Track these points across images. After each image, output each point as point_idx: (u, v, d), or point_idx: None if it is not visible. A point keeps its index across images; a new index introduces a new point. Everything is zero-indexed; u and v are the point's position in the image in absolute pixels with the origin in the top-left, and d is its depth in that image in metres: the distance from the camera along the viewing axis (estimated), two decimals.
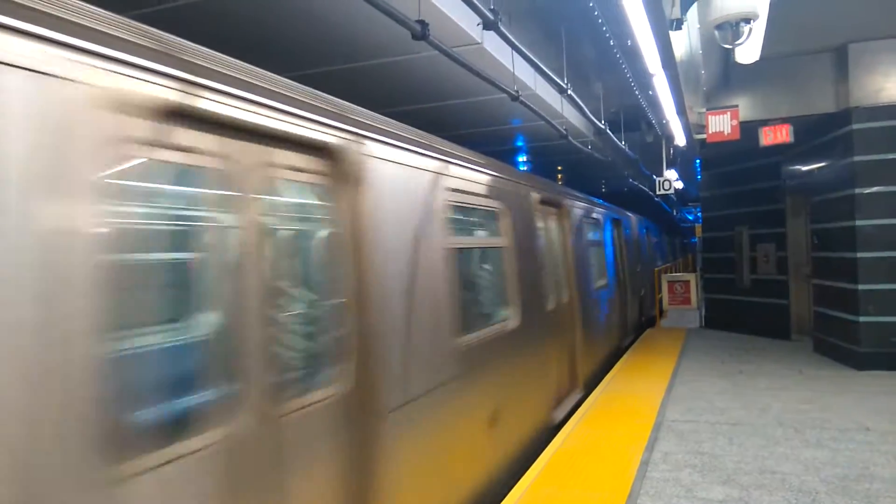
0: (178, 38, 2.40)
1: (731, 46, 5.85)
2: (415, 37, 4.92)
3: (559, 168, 17.92)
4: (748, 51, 7.85)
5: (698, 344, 12.13)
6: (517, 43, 5.75)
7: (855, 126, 9.23)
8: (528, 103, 7.56)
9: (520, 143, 13.06)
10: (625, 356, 10.83)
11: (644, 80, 8.95)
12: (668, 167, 16.00)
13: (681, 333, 13.57)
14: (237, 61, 2.71)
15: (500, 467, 5.14)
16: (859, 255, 9.13)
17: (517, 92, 6.73)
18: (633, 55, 7.62)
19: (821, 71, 9.78)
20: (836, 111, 9.65)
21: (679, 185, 19.48)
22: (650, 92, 9.47)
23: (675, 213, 33.79)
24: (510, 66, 7.07)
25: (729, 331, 13.54)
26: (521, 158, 15.92)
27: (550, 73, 6.63)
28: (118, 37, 2.08)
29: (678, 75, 7.37)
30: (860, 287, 9.13)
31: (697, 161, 15.23)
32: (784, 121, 9.91)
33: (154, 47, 2.21)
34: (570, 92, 7.26)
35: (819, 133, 10.19)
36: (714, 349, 11.48)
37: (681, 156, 16.22)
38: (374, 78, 7.69)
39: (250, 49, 6.54)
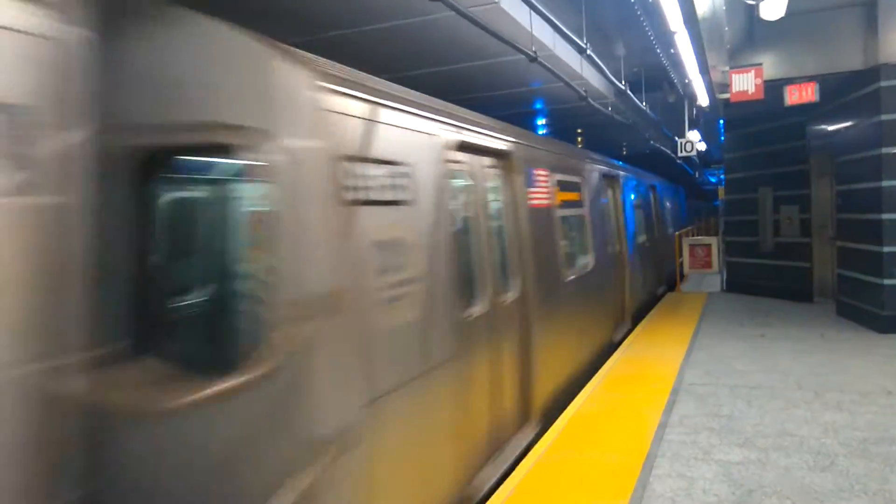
0: (455, 106, 4.80)
1: (753, 2, 5.67)
2: None
3: (579, 131, 17.67)
4: (773, 7, 7.60)
5: (719, 307, 12.06)
6: (534, 1, 5.61)
7: (883, 83, 8.97)
8: (547, 64, 7.40)
9: (538, 106, 12.85)
10: (644, 320, 10.81)
11: (665, 38, 8.71)
12: (691, 128, 15.70)
13: (701, 297, 13.49)
14: (472, 112, 5.11)
15: (585, 362, 7.52)
16: (884, 216, 8.96)
17: (535, 53, 6.59)
18: (654, 12, 7.42)
19: (849, 27, 9.48)
20: (863, 68, 9.37)
21: (702, 146, 19.15)
22: (672, 50, 9.24)
23: (697, 176, 33.28)
24: (528, 25, 6.92)
25: (751, 294, 13.43)
26: (541, 121, 15.70)
27: (569, 33, 6.47)
28: (443, 110, 4.44)
29: (700, 33, 7.17)
30: (885, 249, 8.97)
31: (721, 122, 14.95)
32: (810, 79, 9.65)
33: (451, 112, 4.58)
34: (589, 52, 7.09)
35: (845, 91, 9.93)
36: (735, 313, 11.41)
37: (704, 116, 15.92)
38: (388, 41, 7.56)
39: (260, 13, 6.46)
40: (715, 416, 5.85)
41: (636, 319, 10.73)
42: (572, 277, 7.07)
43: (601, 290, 8.49)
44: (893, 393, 6.32)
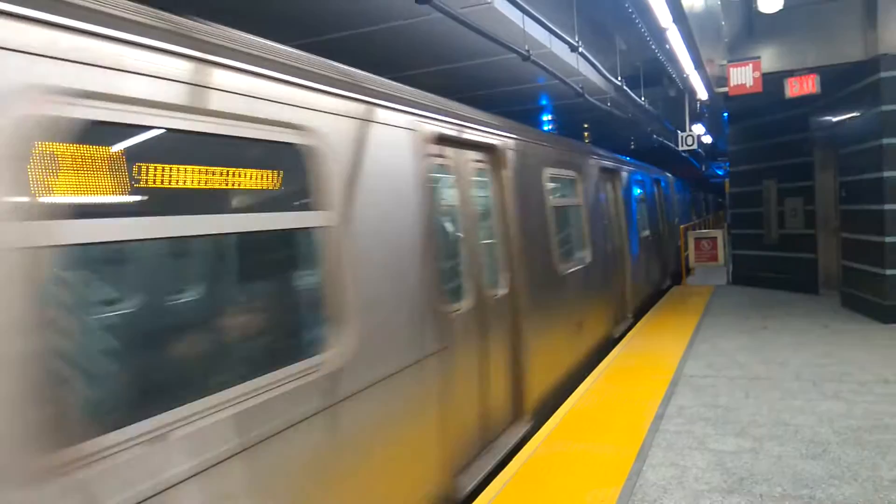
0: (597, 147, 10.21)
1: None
2: (419, 0, 4.90)
3: (585, 126, 17.70)
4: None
5: (724, 300, 12.08)
6: (522, 3, 5.69)
7: (883, 74, 8.97)
8: (541, 62, 7.48)
9: (537, 103, 12.90)
10: (647, 314, 10.86)
11: (659, 34, 8.77)
12: (693, 122, 15.71)
13: (707, 290, 13.50)
14: (600, 149, 10.09)
15: (651, 294, 12.48)
16: (886, 206, 8.96)
17: (528, 51, 6.66)
18: (646, 10, 7.48)
19: (849, 18, 9.46)
20: (864, 59, 9.36)
21: (707, 139, 19.12)
22: (667, 46, 9.29)
23: (704, 169, 33.15)
24: (521, 24, 6.99)
25: (756, 287, 13.43)
26: (546, 118, 15.75)
27: (559, 32, 6.54)
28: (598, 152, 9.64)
29: (691, 29, 7.21)
30: (887, 239, 8.98)
31: (725, 115, 14.93)
32: (810, 71, 9.65)
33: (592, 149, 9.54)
34: (581, 50, 7.16)
35: (847, 83, 9.93)
36: (740, 305, 11.43)
37: (708, 110, 15.91)
38: (382, 43, 7.66)
39: (253, 17, 6.58)
40: (712, 407, 5.91)
41: (674, 277, 15.39)
42: (646, 238, 12.08)
43: (657, 252, 13.68)
44: (891, 382, 6.35)
